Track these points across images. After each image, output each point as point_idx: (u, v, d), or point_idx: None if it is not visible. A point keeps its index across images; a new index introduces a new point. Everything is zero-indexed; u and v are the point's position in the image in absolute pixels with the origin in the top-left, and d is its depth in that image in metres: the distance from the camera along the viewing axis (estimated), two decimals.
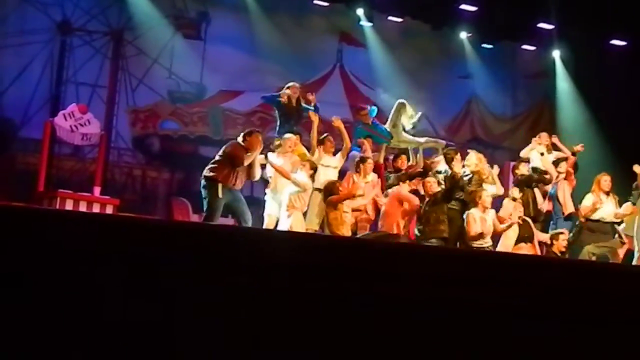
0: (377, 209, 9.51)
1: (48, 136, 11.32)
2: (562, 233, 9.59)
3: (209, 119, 13.87)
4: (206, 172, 8.39)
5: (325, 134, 9.67)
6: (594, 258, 9.49)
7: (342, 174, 9.73)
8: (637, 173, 10.11)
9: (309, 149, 9.68)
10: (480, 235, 8.96)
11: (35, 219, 3.55)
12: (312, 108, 9.99)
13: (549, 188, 10.56)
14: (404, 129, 10.52)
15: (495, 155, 14.13)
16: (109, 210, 10.86)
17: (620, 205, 9.87)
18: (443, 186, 9.37)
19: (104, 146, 11.99)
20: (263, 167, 9.07)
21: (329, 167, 9.38)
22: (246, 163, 8.38)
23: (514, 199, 9.61)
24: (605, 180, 9.86)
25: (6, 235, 3.25)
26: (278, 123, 9.92)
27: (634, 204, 9.97)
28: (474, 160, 9.73)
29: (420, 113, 10.81)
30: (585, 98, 14.93)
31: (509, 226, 9.27)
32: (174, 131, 13.71)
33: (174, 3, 13.75)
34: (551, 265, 4.44)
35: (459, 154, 9.88)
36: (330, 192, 8.77)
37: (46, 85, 12.72)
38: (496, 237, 9.39)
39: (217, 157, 8.47)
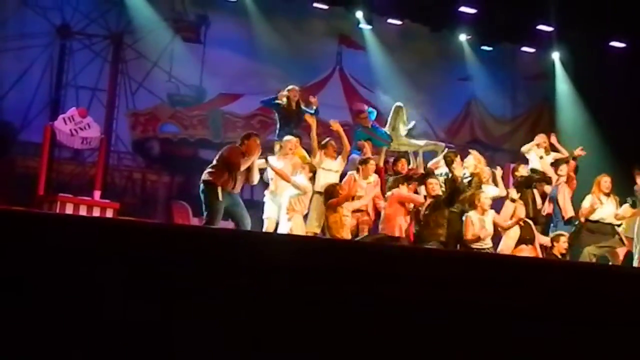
0: (376, 210, 9.52)
1: (48, 140, 11.31)
2: (562, 235, 9.58)
3: (209, 122, 13.87)
4: (204, 176, 8.37)
5: (327, 139, 9.67)
6: (594, 259, 9.50)
7: (343, 177, 9.74)
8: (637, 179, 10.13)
9: (309, 151, 9.69)
10: (479, 238, 8.96)
11: (35, 223, 3.55)
12: (312, 111, 10.01)
13: (548, 190, 10.57)
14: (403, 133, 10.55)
15: (495, 157, 14.11)
16: (109, 214, 10.85)
17: (621, 206, 9.90)
18: (443, 189, 9.38)
19: (104, 150, 11.99)
20: (262, 171, 9.08)
21: (331, 171, 9.39)
22: (243, 167, 8.34)
23: (513, 200, 9.62)
24: (605, 181, 9.88)
25: (7, 239, 3.25)
26: (278, 126, 9.94)
27: (632, 206, 10.01)
28: (472, 162, 9.76)
29: (413, 122, 10.88)
30: (584, 100, 14.94)
31: (516, 222, 9.30)
32: (173, 134, 13.71)
33: (173, 6, 13.76)
34: (551, 268, 4.44)
35: (459, 157, 9.90)
36: (330, 195, 8.77)
37: (46, 89, 12.72)
38: (496, 238, 9.39)
39: (214, 162, 8.45)
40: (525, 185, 10.19)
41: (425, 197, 9.17)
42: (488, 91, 15.57)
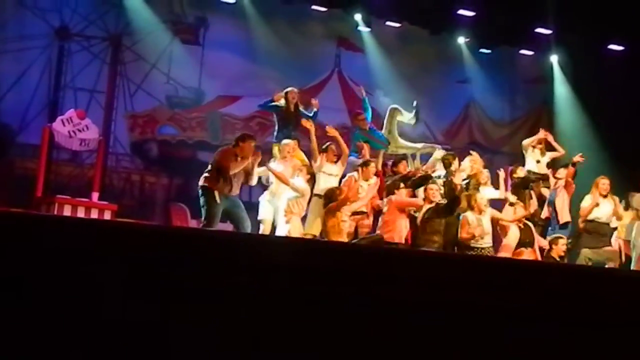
0: (375, 211, 9.54)
1: (46, 142, 11.31)
2: (561, 238, 9.61)
3: (208, 124, 13.86)
4: (201, 181, 8.43)
5: (327, 143, 9.67)
6: (590, 263, 9.53)
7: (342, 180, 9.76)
8: None
9: (307, 154, 9.70)
10: (474, 235, 8.96)
11: (33, 225, 3.55)
12: (311, 114, 10.03)
13: (545, 192, 10.60)
14: (400, 135, 10.55)
15: (494, 160, 14.12)
16: (107, 215, 10.85)
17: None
18: (442, 191, 9.39)
19: (102, 151, 11.98)
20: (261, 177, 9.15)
21: (331, 175, 9.41)
22: (234, 171, 8.34)
23: (512, 204, 9.63)
24: (604, 184, 9.94)
25: (6, 240, 3.25)
26: (276, 128, 9.95)
27: (626, 208, 10.11)
28: (468, 163, 9.79)
29: (414, 102, 10.86)
30: (583, 102, 14.95)
31: (517, 219, 9.33)
32: (172, 136, 13.71)
33: (172, 8, 13.76)
34: (547, 270, 4.44)
35: (457, 159, 9.91)
36: (330, 199, 8.76)
37: (44, 90, 12.72)
38: (497, 240, 9.40)
39: (209, 166, 8.48)
40: (522, 186, 10.22)
41: (423, 199, 9.17)
42: (487, 94, 15.58)
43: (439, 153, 10.30)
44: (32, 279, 3.17)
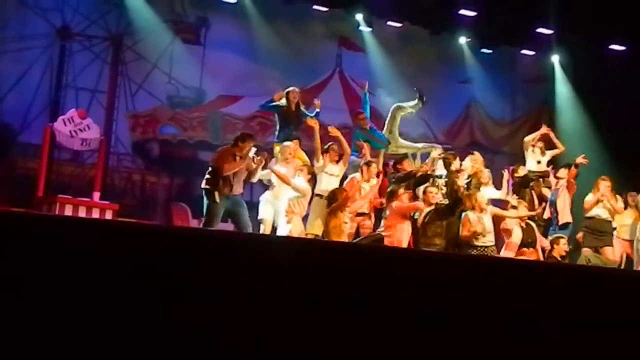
0: (376, 210, 9.56)
1: (47, 141, 11.31)
2: (562, 238, 9.62)
3: (209, 124, 13.87)
4: (202, 184, 8.58)
5: (329, 143, 9.68)
6: (590, 263, 9.55)
7: (343, 180, 9.76)
8: None
9: (308, 153, 9.71)
10: (475, 232, 8.96)
11: (35, 225, 3.56)
12: (312, 115, 10.03)
13: (546, 192, 10.60)
14: (400, 135, 10.55)
15: (495, 160, 14.11)
16: (109, 215, 10.86)
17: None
18: (444, 191, 9.39)
19: (104, 151, 11.99)
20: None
21: (333, 175, 9.42)
22: (230, 172, 8.41)
23: (514, 207, 9.61)
24: (607, 186, 9.99)
25: (7, 240, 3.26)
26: (277, 128, 9.95)
27: (624, 207, 10.14)
28: (469, 163, 9.79)
29: (415, 88, 10.87)
30: (584, 102, 14.94)
31: (525, 216, 9.34)
32: (173, 136, 13.71)
33: (173, 8, 13.76)
34: (548, 270, 4.44)
35: (457, 159, 9.92)
36: (333, 200, 8.76)
37: (46, 90, 12.72)
38: (499, 240, 9.41)
39: (209, 168, 8.59)
40: (522, 185, 10.24)
41: (422, 201, 9.17)
42: (487, 94, 15.57)
43: (436, 152, 10.29)
44: (33, 279, 3.18)
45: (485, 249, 9.02)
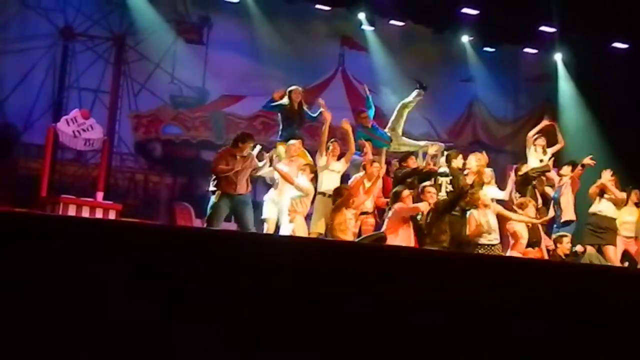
0: (378, 209, 9.56)
1: (51, 141, 11.32)
2: (565, 236, 9.61)
3: (211, 124, 13.88)
4: (209, 186, 8.76)
5: (332, 139, 9.69)
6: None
7: (345, 178, 9.77)
8: None
9: (311, 152, 9.71)
10: (480, 232, 8.96)
11: (38, 225, 3.56)
12: (315, 115, 10.05)
13: (549, 191, 10.59)
14: (403, 133, 10.54)
15: (498, 158, 14.10)
16: (112, 215, 10.86)
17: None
18: (449, 188, 9.39)
19: (107, 151, 12.00)
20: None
21: (333, 171, 9.42)
22: (222, 174, 8.47)
23: (521, 206, 9.59)
24: (609, 175, 10.08)
25: (10, 240, 3.27)
26: (280, 127, 9.95)
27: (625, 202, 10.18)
28: (474, 162, 9.78)
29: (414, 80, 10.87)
30: (587, 100, 14.92)
31: (529, 221, 9.33)
32: (176, 136, 13.72)
33: (175, 8, 13.77)
34: (551, 269, 4.44)
35: (460, 156, 9.91)
36: (338, 196, 8.79)
37: (49, 90, 12.74)
38: (504, 240, 9.41)
39: None
40: (524, 183, 10.24)
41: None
42: (490, 92, 15.56)
43: (432, 149, 10.27)
44: (36, 279, 3.19)
45: (492, 248, 9.01)
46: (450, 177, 9.64)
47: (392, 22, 14.38)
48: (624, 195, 10.22)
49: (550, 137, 11.21)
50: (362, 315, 3.24)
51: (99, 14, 13.16)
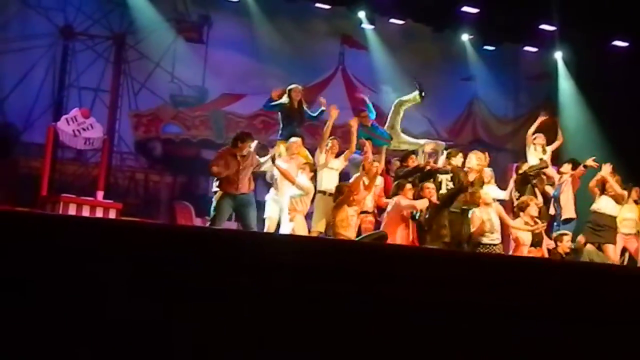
0: (379, 209, 9.56)
1: (51, 141, 11.33)
2: (565, 234, 9.61)
3: (211, 123, 13.88)
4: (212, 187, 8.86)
5: (331, 137, 9.69)
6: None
7: (344, 177, 9.77)
8: None
9: (311, 151, 9.72)
10: (483, 230, 8.97)
11: (39, 224, 3.56)
12: (315, 114, 10.07)
13: (549, 190, 10.59)
14: (403, 131, 10.55)
15: (498, 157, 14.10)
16: (112, 214, 10.87)
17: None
18: (450, 186, 9.41)
19: (107, 150, 12.00)
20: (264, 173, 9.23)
21: (332, 169, 9.42)
22: (225, 173, 8.50)
23: (521, 206, 9.58)
24: (609, 169, 10.10)
25: (11, 239, 3.27)
26: (281, 126, 9.95)
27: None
28: (475, 161, 9.78)
29: (414, 81, 10.83)
30: (587, 99, 14.92)
31: (531, 230, 9.31)
32: (176, 135, 13.72)
33: (175, 7, 13.77)
34: (551, 268, 4.44)
35: (460, 154, 9.92)
36: (339, 194, 8.82)
37: (49, 89, 12.75)
38: (505, 240, 9.43)
39: None
40: (522, 183, 10.25)
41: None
42: (490, 91, 15.56)
43: (428, 147, 10.27)
44: (37, 278, 3.19)
45: (493, 247, 9.03)
46: (451, 175, 9.64)
47: (392, 20, 14.38)
48: (624, 192, 10.23)
49: (549, 135, 11.21)
50: (362, 314, 3.24)
51: (99, 13, 13.16)
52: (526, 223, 9.29)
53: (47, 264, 3.23)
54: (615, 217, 10.08)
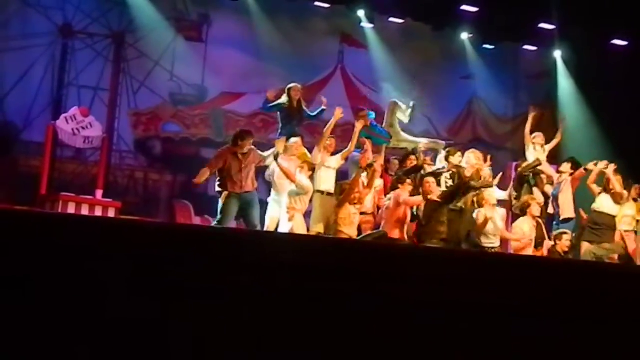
0: (378, 209, 9.57)
1: (50, 139, 11.34)
2: (565, 233, 9.61)
3: (211, 121, 13.88)
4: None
5: (330, 136, 9.69)
6: (594, 258, 9.56)
7: (344, 176, 9.77)
8: None
9: (310, 150, 9.71)
10: (486, 230, 8.99)
11: (38, 223, 3.56)
12: (315, 114, 10.07)
13: (549, 189, 10.58)
14: (402, 130, 10.56)
15: (498, 156, 14.07)
16: (111, 213, 10.88)
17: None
18: (450, 183, 9.41)
19: (106, 149, 12.01)
20: (265, 168, 9.21)
21: (329, 168, 9.42)
22: (222, 170, 8.51)
23: (523, 207, 9.59)
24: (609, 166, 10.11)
25: (10, 238, 3.27)
26: (280, 125, 9.95)
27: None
28: (474, 160, 9.79)
29: (412, 103, 10.84)
30: (586, 98, 14.91)
31: (523, 238, 9.34)
32: (175, 133, 13.72)
33: (175, 5, 13.77)
34: (551, 266, 4.44)
35: (459, 153, 9.92)
36: (340, 192, 8.84)
37: (48, 88, 12.75)
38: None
39: None
40: (519, 182, 10.26)
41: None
42: (490, 90, 15.55)
43: (422, 145, 10.28)
44: (36, 277, 3.18)
45: (491, 250, 9.05)
46: (450, 173, 9.65)
47: (392, 19, 14.37)
48: (625, 192, 10.22)
49: (548, 133, 11.20)
50: (363, 313, 3.24)
51: (98, 11, 13.16)
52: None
53: (46, 263, 3.22)
54: (614, 217, 10.07)
